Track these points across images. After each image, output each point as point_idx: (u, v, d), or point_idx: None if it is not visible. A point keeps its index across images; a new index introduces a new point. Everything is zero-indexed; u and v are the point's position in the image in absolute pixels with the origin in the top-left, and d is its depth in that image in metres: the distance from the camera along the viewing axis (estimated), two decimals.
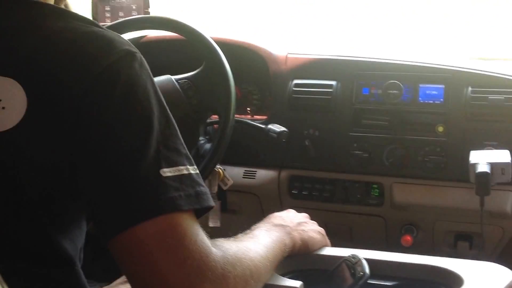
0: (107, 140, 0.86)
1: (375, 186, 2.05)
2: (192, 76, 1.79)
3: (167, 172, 0.87)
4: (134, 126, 0.87)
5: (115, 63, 0.88)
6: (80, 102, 0.86)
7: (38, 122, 0.86)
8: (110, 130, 0.86)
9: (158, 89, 0.93)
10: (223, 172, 1.92)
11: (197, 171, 0.93)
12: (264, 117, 2.13)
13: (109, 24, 1.92)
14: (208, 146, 1.86)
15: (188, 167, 0.90)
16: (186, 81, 1.78)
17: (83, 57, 0.88)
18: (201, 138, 1.88)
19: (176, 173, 0.88)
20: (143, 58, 0.93)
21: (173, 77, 1.79)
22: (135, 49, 0.93)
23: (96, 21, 0.97)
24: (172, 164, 0.88)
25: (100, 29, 0.94)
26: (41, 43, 0.89)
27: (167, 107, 0.93)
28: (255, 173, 2.15)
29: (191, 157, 0.93)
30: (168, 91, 1.72)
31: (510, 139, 1.88)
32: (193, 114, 1.73)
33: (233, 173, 2.08)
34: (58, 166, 0.87)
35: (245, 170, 2.16)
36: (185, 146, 0.93)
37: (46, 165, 0.87)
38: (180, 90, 1.75)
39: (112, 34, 0.93)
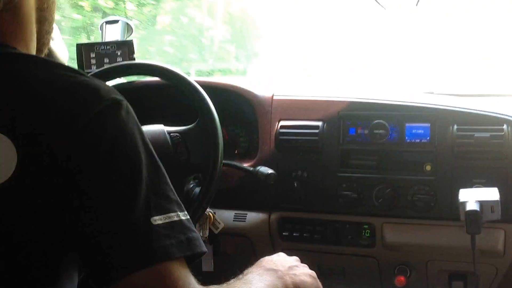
0: (96, 191, 0.85)
1: (366, 226, 2.02)
2: (184, 131, 1.79)
3: (157, 220, 0.86)
4: (123, 176, 0.86)
5: (101, 113, 0.87)
6: (68, 154, 0.84)
7: (29, 176, 0.84)
8: (99, 180, 0.85)
9: (145, 136, 0.92)
10: (213, 216, 1.90)
11: (188, 217, 0.92)
12: (252, 159, 2.12)
13: (95, 71, 1.92)
14: (197, 190, 1.84)
15: (179, 213, 0.90)
16: (177, 135, 1.78)
17: (70, 108, 0.87)
18: (191, 182, 1.87)
19: (167, 220, 0.87)
20: (129, 106, 0.93)
21: (166, 129, 1.79)
22: (121, 97, 0.92)
23: (81, 70, 0.97)
24: (162, 211, 0.87)
25: (85, 78, 0.92)
26: (27, 95, 0.88)
27: (155, 154, 0.92)
28: (245, 216, 2.12)
29: (181, 203, 0.92)
30: (159, 142, 1.72)
31: (498, 177, 1.86)
32: (178, 170, 1.73)
33: (224, 216, 2.06)
34: (49, 218, 0.85)
35: (236, 213, 2.13)
36: (174, 192, 0.92)
37: (38, 218, 0.85)
38: (170, 143, 1.76)
39: (98, 82, 0.92)
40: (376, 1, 1.79)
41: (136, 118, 0.93)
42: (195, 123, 1.80)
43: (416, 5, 1.55)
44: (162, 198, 0.89)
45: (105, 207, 0.85)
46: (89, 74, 1.89)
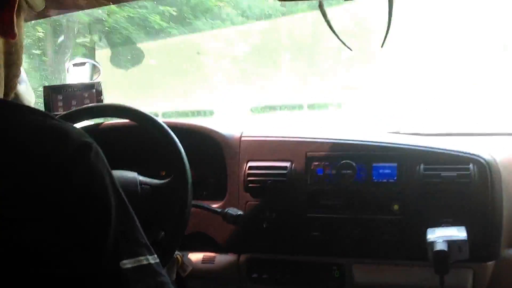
0: (66, 234, 0.83)
1: (335, 267, 2.00)
2: (156, 185, 1.78)
3: (127, 264, 0.84)
4: (92, 219, 0.84)
5: (71, 157, 0.86)
6: (38, 197, 0.82)
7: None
8: (68, 223, 0.83)
9: (115, 180, 0.91)
10: (181, 259, 1.87)
11: (158, 260, 0.91)
12: (221, 200, 2.10)
13: (64, 113, 1.90)
14: (163, 233, 1.82)
15: (148, 257, 0.88)
16: (148, 187, 1.76)
17: (39, 153, 0.85)
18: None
19: (136, 264, 0.86)
20: (99, 148, 0.92)
21: (139, 178, 1.77)
22: (90, 140, 0.91)
23: (49, 112, 0.96)
24: (132, 255, 0.86)
25: (55, 121, 0.91)
26: None
27: (125, 198, 0.91)
28: (214, 258, 2.09)
29: (150, 246, 0.91)
30: (127, 191, 1.70)
31: (465, 215, 1.86)
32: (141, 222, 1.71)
33: (192, 259, 2.05)
34: (21, 261, 0.83)
35: (204, 255, 2.10)
36: (144, 235, 0.91)
37: (9, 260, 0.82)
38: (138, 194, 1.74)
39: (67, 126, 0.91)
40: (342, 43, 1.81)
41: (105, 160, 0.92)
42: (168, 179, 1.79)
43: (381, 46, 1.57)
44: (132, 241, 0.88)
45: (74, 249, 0.83)
46: (58, 116, 1.88)
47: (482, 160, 1.89)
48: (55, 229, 0.83)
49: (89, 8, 1.84)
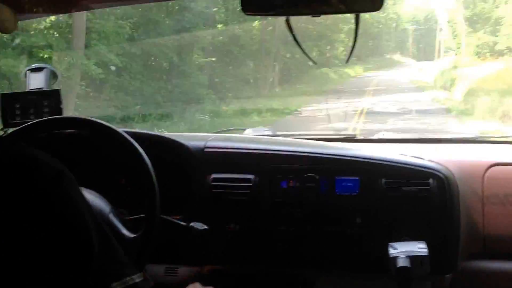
0: (51, 265, 0.85)
1: (299, 279, 2.02)
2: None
3: (116, 286, 0.90)
4: (75, 247, 0.87)
5: (45, 188, 0.87)
6: (17, 227, 0.84)
7: None
8: (51, 254, 0.85)
9: (89, 204, 0.94)
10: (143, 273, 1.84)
11: (142, 278, 0.97)
12: (183, 212, 2.07)
13: (24, 125, 1.84)
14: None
15: (133, 276, 0.94)
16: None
17: (12, 183, 0.86)
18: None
19: (124, 286, 0.92)
20: (71, 175, 0.92)
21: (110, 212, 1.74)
22: (61, 167, 0.92)
23: (19, 141, 0.96)
24: (118, 277, 0.91)
25: (23, 149, 0.91)
26: None
27: (100, 221, 0.94)
28: (177, 270, 2.07)
29: (131, 265, 0.96)
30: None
31: (425, 229, 1.90)
32: None
33: (154, 271, 2.00)
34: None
35: (167, 267, 2.08)
36: (123, 254, 0.95)
37: None
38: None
39: (37, 154, 0.91)
40: (307, 56, 1.82)
41: (78, 187, 0.93)
42: (140, 233, 1.74)
43: (347, 62, 1.59)
44: (116, 263, 0.92)
45: (61, 278, 0.85)
46: (17, 129, 1.83)
47: (441, 175, 1.93)
48: (41, 259, 0.84)
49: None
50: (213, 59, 17.24)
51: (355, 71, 34.79)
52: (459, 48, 38.07)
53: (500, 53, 28.67)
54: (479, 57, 30.79)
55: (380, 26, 44.98)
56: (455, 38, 38.56)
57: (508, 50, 28.77)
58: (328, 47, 31.13)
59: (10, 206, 0.85)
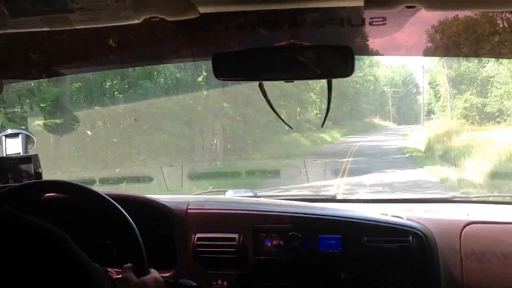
0: None
1: None
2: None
3: None
4: None
5: (52, 257, 1.02)
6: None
7: None
8: None
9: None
10: None
11: None
12: (169, 269, 2.21)
13: (5, 189, 1.93)
14: None
15: None
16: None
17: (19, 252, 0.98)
18: None
19: None
20: (69, 239, 1.07)
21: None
22: (60, 232, 1.07)
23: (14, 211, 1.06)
24: None
25: (25, 219, 1.04)
26: None
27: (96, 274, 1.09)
28: None
29: None
30: None
31: (406, 284, 2.08)
32: None
33: None
34: None
35: None
36: None
37: None
38: None
39: (39, 223, 1.06)
40: (283, 121, 2.03)
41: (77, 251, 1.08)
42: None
43: (322, 126, 1.78)
44: None
45: None
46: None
47: (420, 233, 2.12)
48: None
49: None
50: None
51: (331, 136, 33.26)
52: (443, 111, 37.36)
53: (491, 116, 28.12)
54: (467, 120, 30.29)
55: (357, 86, 44.16)
56: (438, 101, 38.04)
57: (499, 113, 28.26)
58: (298, 109, 29.64)
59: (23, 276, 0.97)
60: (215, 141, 18.47)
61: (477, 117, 30.27)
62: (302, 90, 28.62)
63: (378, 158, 20.11)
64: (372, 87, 55.73)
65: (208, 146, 17.85)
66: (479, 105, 30.94)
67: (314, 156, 20.04)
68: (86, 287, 1.03)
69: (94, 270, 1.08)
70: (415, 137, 30.61)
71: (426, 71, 40.10)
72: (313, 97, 31.91)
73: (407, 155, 21.56)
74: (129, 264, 1.70)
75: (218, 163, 16.53)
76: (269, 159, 17.99)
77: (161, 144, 15.51)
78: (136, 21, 1.21)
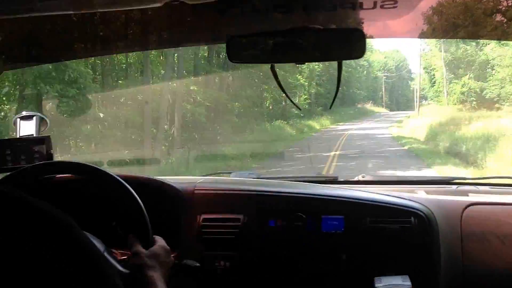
0: None
1: None
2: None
3: None
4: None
5: (58, 238, 1.06)
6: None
7: None
8: None
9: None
10: None
11: None
12: (173, 250, 2.32)
13: (18, 170, 2.01)
14: None
15: None
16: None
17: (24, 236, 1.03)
18: None
19: None
20: (73, 224, 1.11)
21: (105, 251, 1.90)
22: (68, 219, 1.11)
23: (21, 193, 1.09)
24: None
25: (31, 202, 1.08)
26: None
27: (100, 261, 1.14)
28: None
29: None
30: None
31: (407, 264, 2.20)
32: None
33: None
34: None
35: None
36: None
37: None
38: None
39: (44, 207, 1.08)
40: (292, 102, 2.13)
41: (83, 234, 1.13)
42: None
43: (330, 108, 1.89)
44: None
45: None
46: (9, 175, 2.02)
47: (421, 214, 2.25)
48: None
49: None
50: None
51: (320, 123, 32.00)
52: (438, 96, 36.53)
53: (490, 102, 27.20)
54: (464, 106, 29.59)
55: (350, 70, 43.67)
56: (433, 86, 37.27)
57: (498, 98, 27.46)
58: (283, 95, 26.19)
59: (26, 262, 1.00)
60: (172, 131, 17.69)
61: (474, 102, 29.63)
62: (289, 73, 26.83)
63: (371, 151, 17.97)
64: (365, 72, 55.37)
65: (161, 136, 17.24)
66: (478, 90, 30.25)
67: (298, 148, 19.07)
68: (88, 274, 1.07)
69: (97, 257, 1.12)
70: (411, 124, 29.03)
71: (422, 55, 39.33)
72: (301, 80, 30.83)
73: (406, 147, 19.48)
74: (134, 238, 1.80)
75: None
76: (238, 153, 16.29)
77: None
78: (158, 4, 1.29)
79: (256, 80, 25.48)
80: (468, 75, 31.55)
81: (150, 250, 1.74)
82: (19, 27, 1.93)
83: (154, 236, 1.85)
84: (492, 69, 29.74)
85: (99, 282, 1.07)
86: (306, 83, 32.01)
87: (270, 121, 25.67)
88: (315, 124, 31.15)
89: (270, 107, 28.00)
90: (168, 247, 1.81)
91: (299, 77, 29.50)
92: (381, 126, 31.29)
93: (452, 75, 33.44)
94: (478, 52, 30.86)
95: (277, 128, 25.22)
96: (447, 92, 33.56)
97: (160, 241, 1.82)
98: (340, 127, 31.34)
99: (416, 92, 39.86)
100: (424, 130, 23.95)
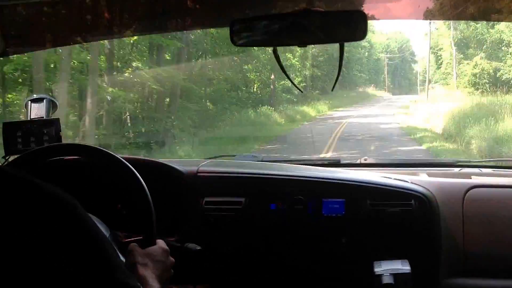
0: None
1: None
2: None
3: None
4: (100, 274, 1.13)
5: (63, 220, 1.12)
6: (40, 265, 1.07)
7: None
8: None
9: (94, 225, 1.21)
10: None
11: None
12: (175, 233, 2.36)
13: (27, 152, 2.11)
14: None
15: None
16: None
17: (29, 216, 1.09)
18: None
19: None
20: (78, 206, 1.18)
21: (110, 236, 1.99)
22: (71, 199, 1.18)
23: (28, 175, 1.16)
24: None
25: (37, 184, 1.14)
26: None
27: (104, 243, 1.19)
28: None
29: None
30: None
31: (407, 248, 2.29)
32: None
33: None
34: None
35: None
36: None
37: None
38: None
39: (50, 189, 1.15)
40: (294, 85, 2.21)
41: (85, 215, 1.20)
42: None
43: (332, 90, 1.97)
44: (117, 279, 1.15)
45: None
46: (17, 157, 2.11)
47: (422, 197, 2.33)
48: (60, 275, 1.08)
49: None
50: None
51: (316, 109, 29.50)
52: (445, 79, 34.72)
53: (506, 83, 25.03)
54: (477, 88, 27.52)
55: (351, 49, 40.83)
56: (440, 68, 35.84)
57: None
58: (272, 76, 25.41)
59: (30, 243, 1.06)
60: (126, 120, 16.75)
61: (487, 85, 27.81)
62: (279, 52, 23.92)
63: (377, 150, 14.09)
64: (366, 53, 54.26)
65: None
66: (491, 71, 28.49)
67: (287, 143, 16.34)
68: (93, 255, 1.12)
69: (101, 240, 1.17)
70: (420, 110, 24.96)
71: (427, 34, 37.88)
72: (293, 61, 28.75)
73: (423, 145, 15.04)
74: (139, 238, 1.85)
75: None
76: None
77: None
78: None
79: (237, 59, 23.20)
80: (480, 55, 30.19)
81: (147, 249, 1.78)
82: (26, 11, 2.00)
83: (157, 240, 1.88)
84: (509, 47, 28.25)
85: (102, 261, 1.13)
86: (299, 63, 30.31)
87: (255, 107, 23.40)
88: (310, 110, 28.78)
89: (258, 91, 26.11)
90: (167, 248, 1.84)
91: (289, 56, 26.59)
92: (386, 112, 28.81)
93: (461, 55, 32.15)
94: (490, 30, 29.73)
95: (264, 116, 22.83)
96: (456, 73, 32.10)
97: (160, 243, 1.86)
98: (338, 114, 28.83)
99: (426, 73, 36.75)
100: (441, 119, 19.19)
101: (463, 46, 32.35)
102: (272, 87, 26.26)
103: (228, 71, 23.15)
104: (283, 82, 26.15)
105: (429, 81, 35.59)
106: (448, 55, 34.60)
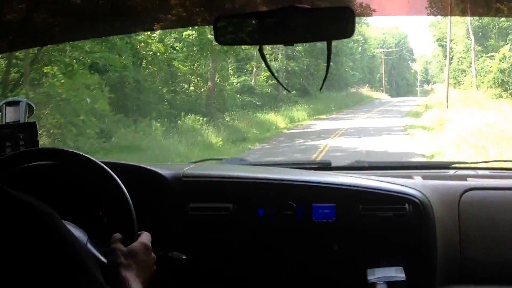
0: None
1: None
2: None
3: None
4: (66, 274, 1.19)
5: (38, 230, 1.18)
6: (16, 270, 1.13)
7: None
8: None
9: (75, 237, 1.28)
10: None
11: None
12: (159, 240, 2.43)
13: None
14: None
15: None
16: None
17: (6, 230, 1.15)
18: None
19: None
20: (54, 216, 1.24)
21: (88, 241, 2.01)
22: (48, 209, 1.23)
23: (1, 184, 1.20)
24: None
25: (8, 193, 1.19)
26: None
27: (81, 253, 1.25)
28: None
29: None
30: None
31: (402, 254, 2.36)
32: None
33: None
34: None
35: None
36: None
37: None
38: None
39: (23, 198, 1.20)
40: (281, 85, 2.30)
41: (62, 222, 1.26)
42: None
43: (320, 90, 2.08)
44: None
45: None
46: None
47: (416, 200, 2.40)
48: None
49: None
50: None
51: (290, 117, 24.02)
52: (457, 76, 29.91)
53: None
54: (505, 89, 23.87)
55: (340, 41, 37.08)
56: (451, 63, 29.46)
57: None
58: (231, 69, 22.91)
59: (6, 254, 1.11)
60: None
61: None
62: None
63: None
64: (359, 48, 52.30)
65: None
66: None
67: None
68: (69, 267, 1.17)
69: (77, 249, 1.22)
70: (447, 126, 17.73)
71: (433, 24, 34.64)
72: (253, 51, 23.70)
73: None
74: (118, 235, 1.88)
75: None
76: None
77: None
78: None
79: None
80: (508, 45, 26.38)
81: (129, 248, 1.81)
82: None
83: (141, 232, 1.93)
84: None
85: (77, 273, 1.19)
86: (267, 54, 24.74)
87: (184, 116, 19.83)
88: (278, 119, 23.95)
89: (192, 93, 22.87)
90: (149, 245, 1.88)
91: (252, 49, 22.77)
92: (391, 124, 22.54)
93: (479, 47, 28.21)
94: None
95: (201, 135, 18.54)
96: (476, 70, 27.56)
97: (143, 237, 1.89)
98: (318, 126, 23.08)
99: (447, 71, 28.15)
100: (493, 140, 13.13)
101: (481, 37, 28.68)
102: (210, 84, 22.38)
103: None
104: (243, 78, 23.18)
105: (424, 82, 32.37)
106: (462, 47, 30.29)
